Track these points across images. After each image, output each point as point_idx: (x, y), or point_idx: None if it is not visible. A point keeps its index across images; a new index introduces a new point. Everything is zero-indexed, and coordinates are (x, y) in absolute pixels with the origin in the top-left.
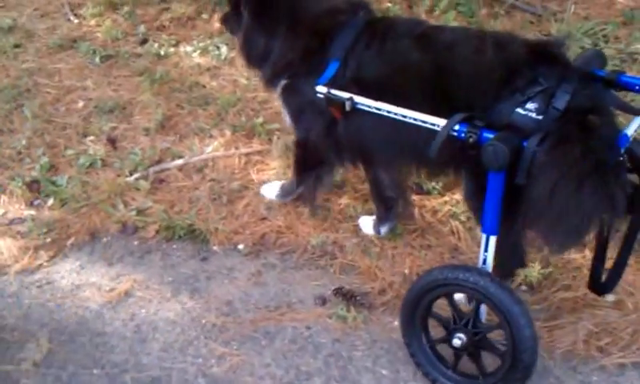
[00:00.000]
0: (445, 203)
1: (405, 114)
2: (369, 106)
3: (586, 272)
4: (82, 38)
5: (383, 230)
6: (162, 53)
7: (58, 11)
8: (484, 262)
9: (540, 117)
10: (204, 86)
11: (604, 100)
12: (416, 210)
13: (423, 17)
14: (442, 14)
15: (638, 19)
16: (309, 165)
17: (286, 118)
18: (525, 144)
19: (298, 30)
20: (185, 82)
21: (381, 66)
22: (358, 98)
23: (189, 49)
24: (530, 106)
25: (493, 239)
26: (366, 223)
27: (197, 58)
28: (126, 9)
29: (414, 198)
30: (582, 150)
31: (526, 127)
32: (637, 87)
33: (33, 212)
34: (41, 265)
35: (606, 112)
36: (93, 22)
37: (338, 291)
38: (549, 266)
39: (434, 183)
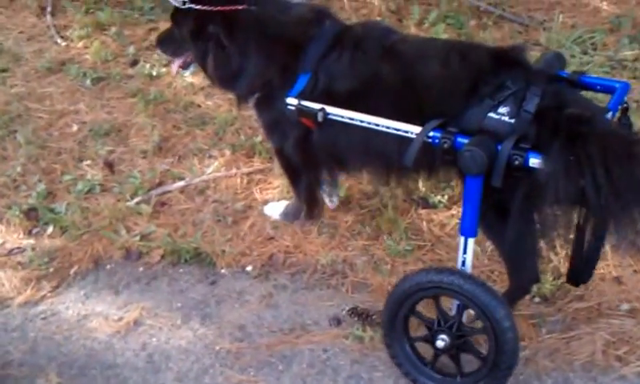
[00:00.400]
0: (452, 216)
1: (378, 123)
2: (341, 117)
3: (597, 281)
4: (70, 60)
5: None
6: (154, 73)
7: (44, 34)
8: (463, 263)
9: (512, 120)
10: (199, 106)
11: (573, 100)
12: (424, 225)
13: (413, 30)
14: (431, 27)
15: (624, 26)
16: (297, 167)
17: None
18: (499, 147)
19: (269, 45)
20: (179, 102)
21: (352, 78)
22: (330, 109)
23: (187, 72)
24: (502, 109)
25: (471, 241)
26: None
27: (189, 78)
28: (113, 30)
29: (421, 212)
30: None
31: (499, 131)
32: (597, 87)
33: (32, 241)
34: (44, 296)
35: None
36: (81, 44)
37: (353, 311)
38: (560, 276)
39: (439, 197)
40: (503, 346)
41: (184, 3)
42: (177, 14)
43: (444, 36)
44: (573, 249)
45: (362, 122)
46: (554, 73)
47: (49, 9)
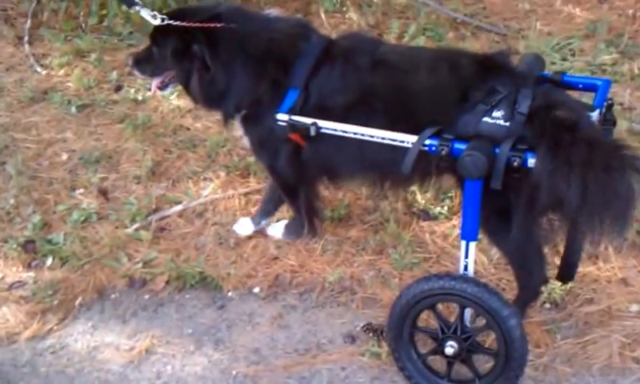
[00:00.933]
0: (453, 227)
1: (373, 135)
2: (334, 130)
3: (604, 284)
4: (53, 88)
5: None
6: (139, 98)
7: (23, 63)
8: (465, 268)
9: (507, 123)
10: (188, 129)
11: (561, 100)
12: (427, 237)
13: (393, 43)
14: (411, 40)
15: (599, 31)
16: (291, 185)
17: (247, 145)
18: (496, 150)
19: (256, 62)
20: (168, 125)
21: (345, 91)
22: (322, 123)
23: (166, 92)
24: (497, 113)
25: (472, 245)
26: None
27: (175, 101)
28: (93, 56)
29: (423, 224)
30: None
31: (495, 134)
32: (580, 85)
33: (32, 274)
34: (51, 329)
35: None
36: (62, 72)
37: (368, 327)
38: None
39: (439, 208)
40: (510, 334)
41: (162, 20)
42: (157, 34)
43: None
44: (566, 248)
45: (356, 134)
46: (538, 74)
47: (26, 38)
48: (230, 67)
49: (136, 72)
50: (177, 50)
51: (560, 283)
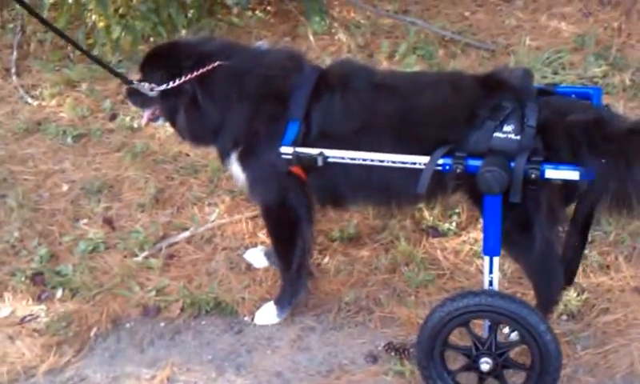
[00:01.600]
0: (464, 243)
1: (383, 159)
2: (342, 158)
3: (618, 293)
4: (46, 119)
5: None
6: (135, 125)
7: (13, 95)
8: (490, 283)
9: (519, 137)
10: (188, 155)
11: (568, 104)
12: (438, 253)
13: (385, 63)
14: (402, 59)
15: (587, 44)
16: (288, 228)
17: (243, 182)
18: (512, 164)
19: (252, 97)
20: (167, 152)
21: (349, 118)
22: (329, 152)
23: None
24: (507, 128)
25: (496, 260)
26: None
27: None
28: (84, 85)
29: (433, 241)
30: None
31: (508, 149)
32: (573, 95)
33: (43, 306)
34: (69, 361)
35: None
36: (54, 102)
37: (389, 346)
38: (584, 291)
39: (447, 225)
40: (547, 348)
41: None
42: (145, 67)
43: (416, 67)
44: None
45: (365, 160)
46: (532, 87)
47: (13, 69)
48: (224, 104)
49: (130, 102)
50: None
51: (576, 294)
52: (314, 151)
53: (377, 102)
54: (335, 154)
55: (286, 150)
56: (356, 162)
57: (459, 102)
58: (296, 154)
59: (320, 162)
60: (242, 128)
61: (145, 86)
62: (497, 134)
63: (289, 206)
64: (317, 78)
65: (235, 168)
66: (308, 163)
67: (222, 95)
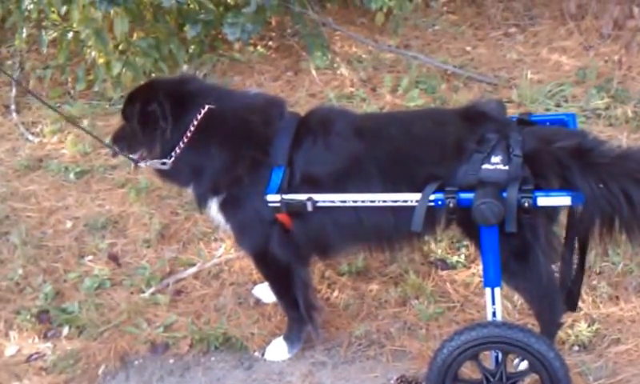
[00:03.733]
0: (473, 275)
1: (374, 200)
2: (332, 201)
3: (629, 324)
4: (47, 156)
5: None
6: None
7: (13, 132)
8: (494, 314)
9: (507, 167)
10: None
11: (553, 131)
12: (448, 286)
13: (388, 98)
14: (405, 93)
15: (589, 77)
16: (282, 272)
17: (228, 232)
18: (504, 194)
19: (234, 142)
20: (172, 188)
21: (334, 161)
22: (318, 196)
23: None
24: (495, 159)
25: (498, 291)
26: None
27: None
28: (85, 122)
29: (442, 274)
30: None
31: (497, 179)
32: (547, 123)
33: (50, 344)
34: None
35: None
36: (55, 139)
37: (402, 380)
38: (594, 322)
39: (456, 257)
40: (557, 375)
41: (164, 164)
42: (126, 108)
43: (419, 101)
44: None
45: (355, 202)
46: (515, 117)
47: (13, 106)
48: (205, 147)
49: (117, 150)
50: (143, 121)
51: (587, 325)
52: (302, 196)
53: (361, 144)
54: (325, 198)
55: (273, 198)
56: (346, 204)
57: (445, 137)
58: (284, 201)
59: (310, 207)
60: (222, 172)
61: (156, 163)
62: (485, 166)
63: (279, 252)
64: (297, 123)
65: (216, 216)
66: (296, 209)
67: (204, 138)
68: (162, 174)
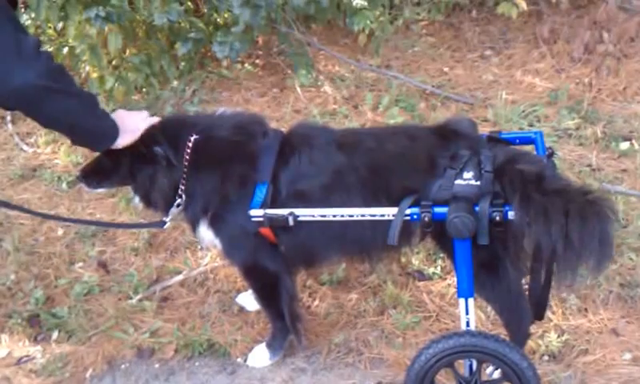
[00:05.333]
0: (448, 286)
1: (353, 214)
2: (312, 216)
3: (596, 335)
4: (41, 166)
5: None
6: None
7: (9, 142)
8: (467, 324)
9: (478, 182)
10: None
11: (519, 154)
12: (424, 296)
13: (369, 115)
14: (385, 111)
15: (560, 98)
16: (269, 284)
17: (218, 247)
18: (476, 208)
19: (221, 165)
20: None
21: (318, 174)
22: (299, 211)
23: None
24: (467, 175)
25: (471, 301)
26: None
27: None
28: None
29: (419, 284)
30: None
31: (469, 194)
32: (517, 141)
33: (40, 348)
34: None
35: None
36: (48, 150)
37: None
38: (564, 333)
39: (432, 269)
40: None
41: (164, 223)
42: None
43: (399, 119)
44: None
45: (335, 216)
46: (485, 135)
47: (9, 118)
48: (195, 174)
49: (84, 185)
50: (138, 155)
51: (556, 336)
52: (284, 211)
53: (342, 158)
54: (305, 213)
55: (256, 213)
56: (327, 218)
57: (420, 153)
58: (267, 216)
59: (291, 222)
60: (214, 195)
61: (167, 220)
62: (458, 181)
63: (265, 264)
64: (280, 140)
65: (206, 233)
66: (279, 224)
67: (192, 164)
68: (149, 197)
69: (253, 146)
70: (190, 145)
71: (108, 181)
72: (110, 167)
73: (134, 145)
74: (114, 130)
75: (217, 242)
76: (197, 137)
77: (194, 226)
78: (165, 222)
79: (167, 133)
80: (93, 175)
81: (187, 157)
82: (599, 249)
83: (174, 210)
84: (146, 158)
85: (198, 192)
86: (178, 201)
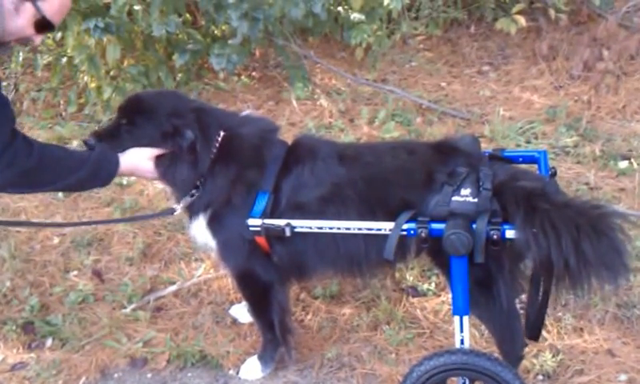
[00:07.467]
0: (442, 303)
1: (349, 227)
2: (309, 227)
3: (592, 355)
4: None
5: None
6: (124, 182)
7: None
8: (462, 342)
9: (476, 199)
10: None
11: (521, 172)
12: (418, 312)
13: (365, 129)
14: (381, 125)
15: (559, 116)
16: (262, 292)
17: (213, 248)
18: (473, 226)
19: (236, 164)
20: (155, 208)
21: (318, 186)
22: (296, 222)
23: None
24: (465, 191)
25: (466, 319)
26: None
27: (160, 184)
28: (75, 143)
29: (413, 301)
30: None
31: (466, 211)
32: (520, 159)
33: (33, 355)
34: None
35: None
36: None
37: None
38: (559, 353)
39: (426, 285)
40: None
41: (173, 211)
42: (134, 110)
43: (395, 133)
44: (540, 306)
45: (332, 228)
46: (486, 152)
47: None
48: (215, 165)
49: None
50: (167, 131)
51: (551, 355)
52: (281, 222)
53: (342, 170)
54: (302, 224)
55: (254, 222)
56: (323, 230)
57: (418, 168)
58: (264, 226)
59: (288, 233)
60: (220, 191)
61: (178, 207)
62: (455, 198)
63: (258, 273)
64: (285, 151)
65: (201, 230)
66: (276, 234)
67: (216, 159)
68: (167, 177)
69: (267, 153)
70: (220, 140)
71: (121, 148)
72: (124, 132)
73: (162, 123)
74: (113, 166)
75: (213, 243)
76: (225, 133)
77: (192, 218)
78: (174, 210)
79: (201, 122)
80: (106, 138)
81: (214, 151)
82: (615, 262)
83: (187, 199)
84: (174, 138)
85: (209, 186)
86: (193, 191)
